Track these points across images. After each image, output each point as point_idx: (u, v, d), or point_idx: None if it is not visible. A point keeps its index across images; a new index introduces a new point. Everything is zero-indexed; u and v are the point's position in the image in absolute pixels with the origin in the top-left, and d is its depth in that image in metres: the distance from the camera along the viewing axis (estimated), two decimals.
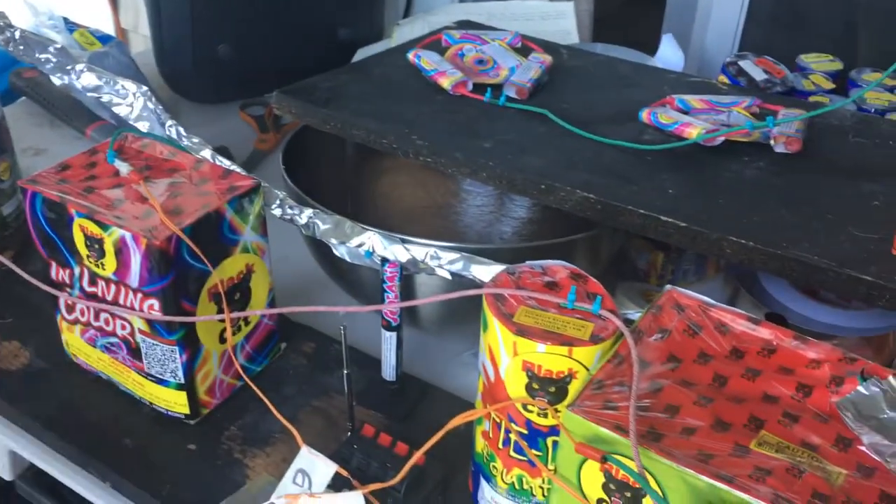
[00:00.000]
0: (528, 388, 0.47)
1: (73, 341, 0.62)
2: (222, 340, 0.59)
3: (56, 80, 0.68)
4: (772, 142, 0.66)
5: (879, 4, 0.51)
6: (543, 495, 0.50)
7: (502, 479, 0.51)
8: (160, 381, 0.58)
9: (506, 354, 0.47)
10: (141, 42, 1.50)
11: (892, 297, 0.51)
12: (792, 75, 0.84)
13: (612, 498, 0.42)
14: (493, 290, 0.48)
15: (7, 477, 0.64)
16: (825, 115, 0.73)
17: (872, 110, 0.78)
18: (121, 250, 0.53)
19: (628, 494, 0.41)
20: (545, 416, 0.47)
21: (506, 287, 0.48)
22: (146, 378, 0.58)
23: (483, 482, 0.53)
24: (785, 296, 0.69)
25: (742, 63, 0.84)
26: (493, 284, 0.49)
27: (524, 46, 0.82)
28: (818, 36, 0.91)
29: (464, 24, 0.89)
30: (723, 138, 0.65)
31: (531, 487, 0.51)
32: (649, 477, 0.39)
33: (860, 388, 0.43)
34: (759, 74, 0.82)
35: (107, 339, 0.59)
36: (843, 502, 0.37)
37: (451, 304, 0.63)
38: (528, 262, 0.51)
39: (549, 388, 0.46)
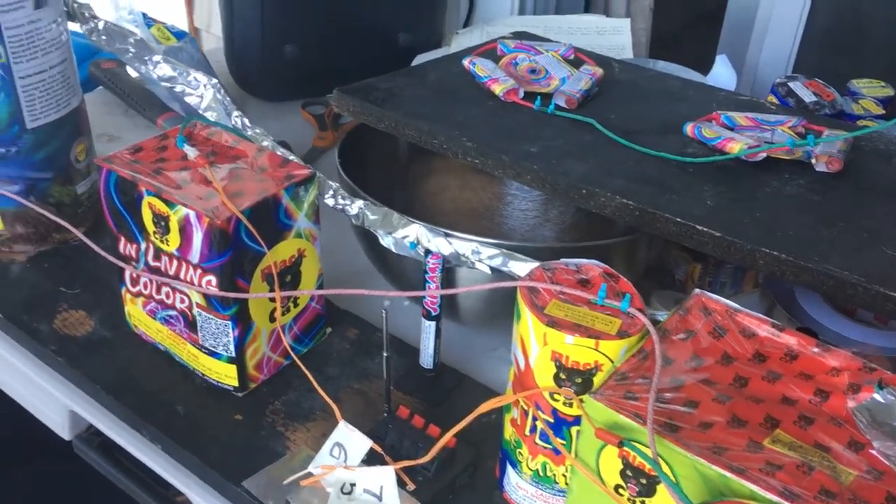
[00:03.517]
0: (556, 377, 0.49)
1: (136, 313, 0.67)
2: (272, 319, 0.62)
3: (133, 71, 0.73)
4: (813, 160, 0.67)
5: None
6: (566, 483, 0.53)
7: (527, 466, 0.54)
8: (213, 354, 0.62)
9: (536, 344, 0.49)
10: (212, 40, 1.57)
11: None
12: (842, 99, 0.85)
13: (629, 484, 0.44)
14: (528, 283, 0.51)
15: (66, 436, 0.68)
16: (871, 138, 0.74)
17: None
18: (184, 228, 0.57)
19: (643, 481, 0.43)
20: (571, 405, 0.50)
21: (540, 281, 0.51)
22: (200, 350, 0.62)
23: (509, 468, 0.56)
24: (820, 313, 0.71)
25: (792, 84, 0.85)
26: (528, 278, 0.51)
27: (576, 59, 0.85)
28: (872, 62, 0.92)
29: (520, 35, 0.92)
30: (764, 154, 0.67)
31: (554, 475, 0.53)
32: (663, 464, 0.41)
33: (876, 396, 0.45)
34: (808, 96, 0.83)
35: (166, 312, 0.63)
36: (850, 500, 0.39)
37: (489, 300, 0.67)
38: (563, 260, 0.53)
39: (576, 378, 0.48)
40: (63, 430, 0.68)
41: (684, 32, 1.32)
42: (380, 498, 0.53)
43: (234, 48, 1.05)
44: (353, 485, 0.53)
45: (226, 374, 0.62)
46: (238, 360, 0.61)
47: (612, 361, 0.48)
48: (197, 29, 1.61)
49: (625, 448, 0.42)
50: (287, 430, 0.61)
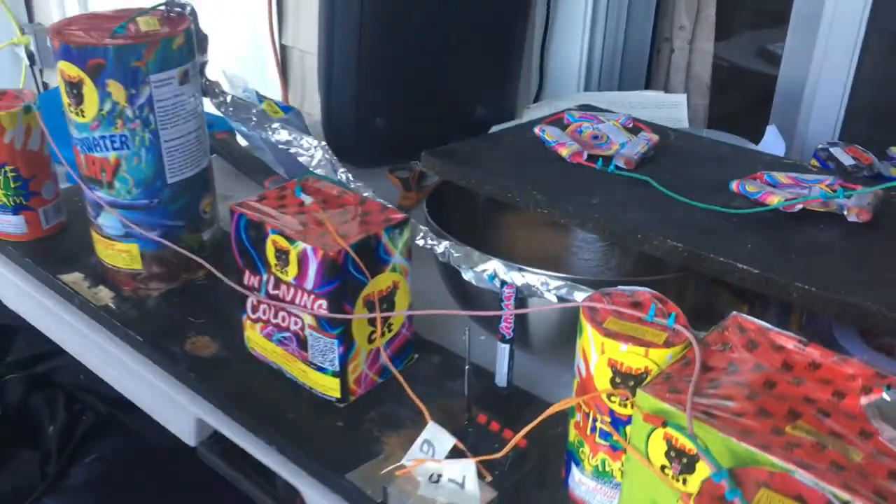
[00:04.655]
0: (612, 381, 0.58)
1: (254, 336, 0.78)
2: (370, 341, 0.73)
3: (243, 140, 0.86)
4: (846, 212, 0.76)
5: None
6: (621, 476, 0.61)
7: (589, 463, 0.63)
8: (320, 369, 0.73)
9: (595, 353, 0.59)
10: (305, 117, 1.73)
11: None
12: (879, 163, 0.93)
13: (672, 464, 0.52)
14: (589, 303, 0.61)
15: (192, 442, 0.79)
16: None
17: None
18: (302, 260, 0.69)
19: (685, 461, 0.52)
20: (625, 405, 0.59)
21: (598, 302, 0.61)
22: (309, 366, 0.73)
23: (573, 466, 0.64)
24: (855, 348, 0.78)
25: (832, 150, 0.94)
26: (589, 300, 0.61)
27: (634, 127, 0.96)
28: None
29: (584, 107, 1.03)
30: (801, 206, 0.76)
31: (612, 470, 0.62)
32: (698, 441, 0.50)
33: (885, 395, 0.53)
34: (847, 160, 0.92)
35: (281, 334, 0.75)
36: (857, 472, 0.47)
37: (556, 327, 0.76)
38: (619, 287, 0.63)
39: (629, 382, 0.58)
40: (189, 438, 0.79)
41: (741, 109, 1.42)
42: (462, 486, 0.62)
43: (331, 120, 1.20)
44: (439, 475, 0.63)
45: (330, 387, 0.73)
46: (341, 375, 0.72)
47: (660, 366, 0.57)
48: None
49: (668, 429, 0.51)
50: (382, 435, 0.71)
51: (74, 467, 1.08)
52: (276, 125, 0.86)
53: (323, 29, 1.16)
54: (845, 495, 0.45)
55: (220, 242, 0.92)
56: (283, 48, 1.50)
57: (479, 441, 0.65)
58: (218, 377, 0.78)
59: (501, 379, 0.73)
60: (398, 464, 0.64)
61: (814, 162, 0.95)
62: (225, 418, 0.75)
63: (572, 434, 0.64)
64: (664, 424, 0.51)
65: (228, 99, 0.89)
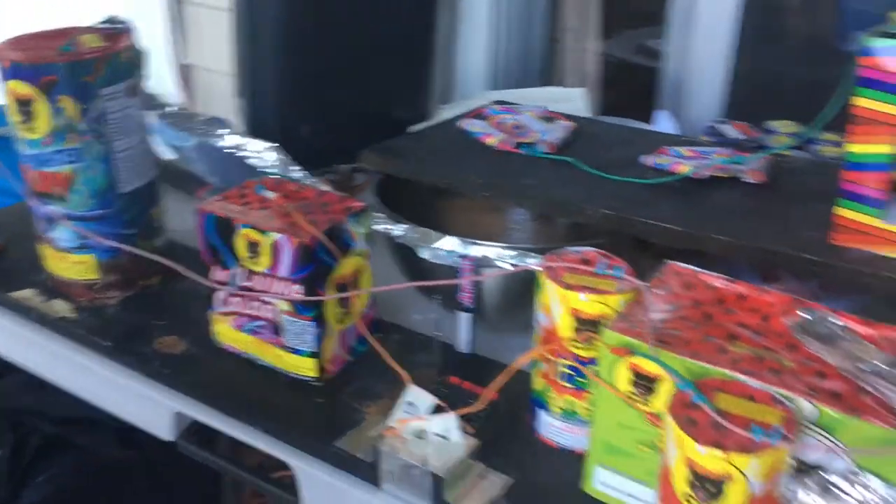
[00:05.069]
0: (576, 329, 0.67)
1: (223, 330, 0.83)
2: (340, 322, 0.79)
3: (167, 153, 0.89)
4: (743, 176, 0.87)
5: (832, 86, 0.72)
6: (588, 415, 0.69)
7: (556, 406, 0.71)
8: (296, 351, 0.78)
9: (558, 306, 0.67)
10: None
11: (822, 271, 0.72)
12: (762, 136, 1.06)
13: (637, 389, 0.61)
14: (547, 263, 0.69)
15: (170, 437, 0.82)
16: (787, 160, 0.95)
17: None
18: (276, 250, 0.74)
19: (648, 385, 0.61)
20: (587, 349, 0.67)
21: (554, 262, 0.69)
22: (285, 350, 0.78)
23: (541, 412, 0.72)
24: None
25: (721, 126, 1.06)
26: (545, 261, 0.70)
27: (550, 116, 1.06)
28: (785, 108, 1.14)
29: (500, 102, 1.12)
30: (708, 172, 0.87)
31: (577, 409, 0.70)
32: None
33: (804, 314, 0.63)
34: (734, 134, 1.04)
35: (254, 324, 0.79)
36: (791, 375, 0.57)
37: (505, 299, 0.84)
38: (567, 248, 0.72)
39: (589, 327, 0.66)
40: (167, 433, 0.82)
41: (629, 100, 1.54)
42: (447, 438, 0.69)
43: (254, 131, 1.23)
44: (424, 431, 0.69)
45: (306, 367, 0.78)
46: (317, 355, 0.77)
47: (615, 310, 0.66)
48: None
49: (633, 358, 0.60)
50: (362, 406, 0.76)
51: (25, 489, 1.08)
52: (223, 131, 0.90)
53: (242, 43, 1.20)
54: (785, 391, 0.55)
55: (172, 249, 0.95)
56: (186, 67, 1.52)
57: (454, 399, 0.72)
58: (192, 371, 0.82)
59: (465, 345, 0.80)
60: (384, 425, 0.70)
61: (705, 138, 1.07)
62: (205, 408, 0.79)
63: (538, 383, 0.72)
64: (630, 353, 0.60)
65: (173, 110, 0.92)
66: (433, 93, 1.34)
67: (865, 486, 0.53)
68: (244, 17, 1.18)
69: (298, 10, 1.16)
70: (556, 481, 0.69)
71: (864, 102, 0.70)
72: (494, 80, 1.41)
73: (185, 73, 1.54)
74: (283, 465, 0.75)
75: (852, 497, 0.54)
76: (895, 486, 0.52)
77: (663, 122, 1.20)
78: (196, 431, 0.81)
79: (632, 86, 1.51)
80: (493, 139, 0.97)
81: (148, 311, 0.90)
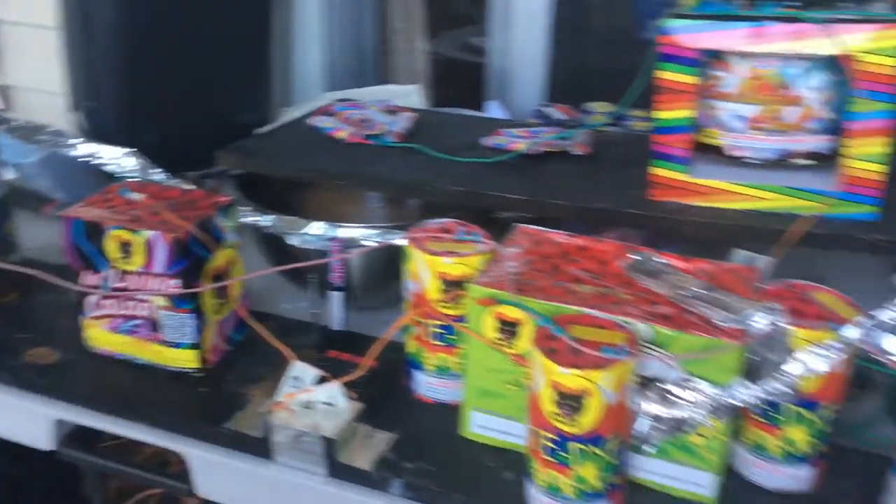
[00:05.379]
0: (442, 291, 0.74)
1: (96, 335, 0.84)
2: (216, 312, 0.82)
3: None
4: (571, 149, 0.98)
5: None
6: (460, 369, 0.77)
7: (430, 364, 0.78)
8: (176, 345, 0.80)
9: (424, 271, 0.74)
10: None
11: (644, 222, 0.83)
12: (581, 115, 1.18)
13: (502, 335, 0.69)
14: (412, 234, 0.76)
15: (50, 447, 0.82)
16: (605, 134, 1.07)
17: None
18: (149, 247, 0.77)
19: (511, 330, 0.69)
20: (455, 308, 0.74)
21: (417, 233, 0.76)
22: (164, 345, 0.81)
23: (416, 372, 0.79)
24: None
25: (546, 109, 1.18)
26: (410, 234, 0.77)
27: (393, 110, 1.13)
28: (600, 91, 1.27)
29: (344, 100, 1.18)
30: (541, 148, 0.97)
31: (450, 365, 0.77)
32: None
33: (634, 257, 0.73)
34: (558, 115, 1.16)
35: (130, 323, 0.81)
36: (629, 305, 0.67)
37: (376, 276, 0.90)
38: (427, 221, 0.79)
39: (455, 288, 0.74)
40: (47, 442, 0.82)
41: (458, 94, 1.64)
42: (333, 405, 0.74)
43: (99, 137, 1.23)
44: (311, 402, 0.74)
45: (188, 359, 0.81)
46: (198, 346, 0.80)
47: (477, 269, 0.73)
48: None
49: (498, 307, 0.68)
50: (246, 390, 0.80)
51: None
52: (74, 140, 0.91)
53: (75, 56, 1.19)
54: (625, 318, 0.65)
55: (28, 265, 0.94)
56: (5, 88, 1.48)
57: (335, 369, 0.77)
58: (70, 379, 0.82)
59: (339, 323, 0.86)
60: (273, 401, 0.75)
61: (534, 120, 1.18)
62: (87, 411, 0.80)
63: (412, 346, 0.79)
64: (495, 303, 0.68)
65: (20, 123, 0.92)
66: (274, 96, 1.38)
67: (695, 389, 0.64)
68: (76, 31, 1.17)
69: (132, 19, 1.16)
70: (437, 431, 0.76)
71: (666, 75, 0.82)
72: (331, 82, 1.47)
73: (5, 94, 1.49)
74: (168, 462, 0.78)
75: (686, 400, 0.64)
76: (719, 385, 0.63)
77: (494, 111, 1.30)
78: (76, 437, 0.82)
79: (461, 81, 1.61)
80: (342, 133, 1.03)
81: (11, 326, 0.89)
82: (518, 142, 0.98)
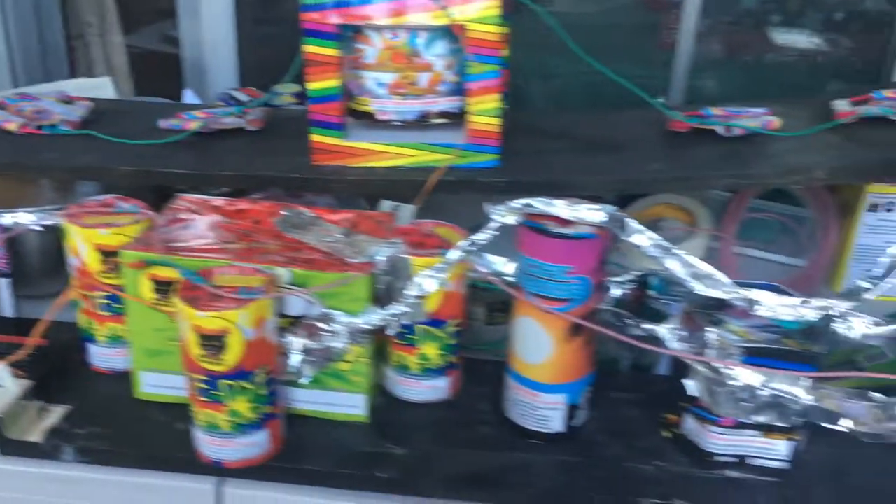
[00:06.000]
0: (102, 262, 0.77)
1: None
2: None
3: None
4: (246, 126, 1.04)
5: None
6: (127, 324, 0.80)
7: (101, 335, 0.80)
8: None
9: (82, 245, 0.76)
10: None
11: (307, 185, 0.91)
12: (267, 95, 1.24)
13: (158, 295, 0.73)
14: (69, 211, 0.78)
15: None
16: (286, 111, 1.13)
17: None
18: None
19: (166, 289, 0.73)
20: (118, 277, 0.77)
21: (75, 211, 0.78)
22: None
23: (89, 345, 0.81)
24: None
25: (232, 92, 1.22)
26: (67, 212, 0.78)
27: (70, 100, 1.12)
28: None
29: (19, 92, 1.16)
30: (216, 126, 1.02)
31: (121, 334, 0.80)
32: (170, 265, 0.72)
33: (284, 213, 0.80)
34: (243, 97, 1.21)
35: None
36: (275, 254, 0.74)
37: (55, 262, 0.91)
38: (88, 199, 0.81)
39: (112, 256, 0.77)
40: None
41: (160, 84, 1.64)
42: (1, 386, 0.75)
43: None
44: None
45: None
46: None
47: (132, 237, 0.77)
48: None
49: (150, 268, 0.72)
50: None
51: None
52: None
53: None
54: (266, 266, 0.72)
55: None
56: None
57: (5, 353, 0.78)
58: None
59: (9, 309, 0.85)
60: None
61: (220, 103, 1.22)
62: None
63: (83, 320, 0.81)
64: (147, 265, 0.72)
65: None
66: None
67: (334, 320, 0.72)
68: None
69: None
70: (112, 398, 0.79)
71: (311, 49, 0.89)
72: (13, 78, 1.42)
73: None
74: None
75: (328, 331, 0.72)
76: (353, 314, 0.72)
77: (189, 98, 1.32)
78: None
79: (161, 72, 1.62)
80: (13, 125, 1.01)
81: None
82: (193, 121, 1.02)
